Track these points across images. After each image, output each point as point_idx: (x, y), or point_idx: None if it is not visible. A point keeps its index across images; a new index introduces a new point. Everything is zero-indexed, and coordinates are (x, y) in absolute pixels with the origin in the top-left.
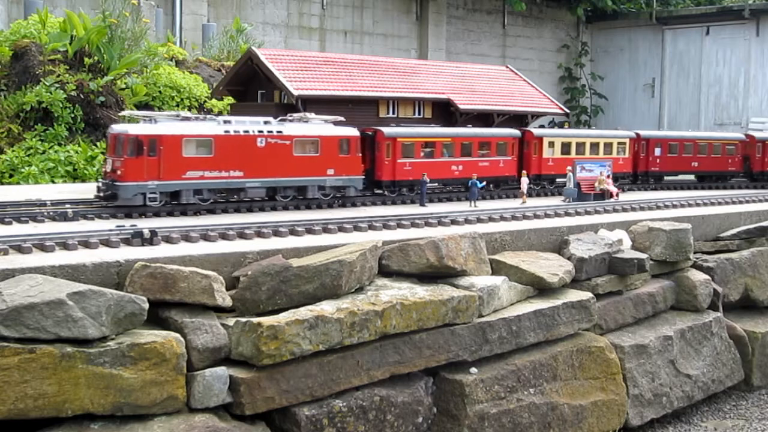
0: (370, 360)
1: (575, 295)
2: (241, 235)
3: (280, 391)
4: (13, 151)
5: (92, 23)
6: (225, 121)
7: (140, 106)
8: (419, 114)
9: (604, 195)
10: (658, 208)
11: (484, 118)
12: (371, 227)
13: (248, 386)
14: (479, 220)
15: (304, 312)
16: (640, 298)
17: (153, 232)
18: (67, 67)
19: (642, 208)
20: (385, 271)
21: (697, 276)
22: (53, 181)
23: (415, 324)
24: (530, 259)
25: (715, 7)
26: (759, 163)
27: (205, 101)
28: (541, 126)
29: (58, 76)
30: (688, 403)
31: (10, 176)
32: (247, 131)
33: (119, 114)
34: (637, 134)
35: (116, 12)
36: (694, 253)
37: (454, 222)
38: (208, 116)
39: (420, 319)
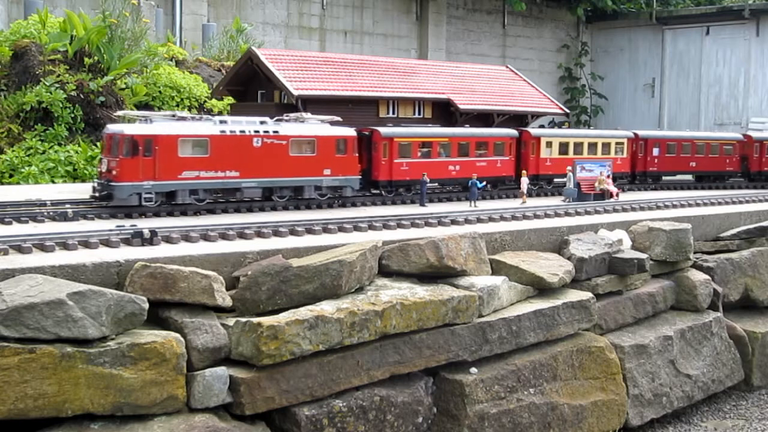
0: (370, 360)
1: (575, 295)
2: (241, 235)
3: (280, 391)
4: (13, 151)
5: (92, 23)
6: (221, 121)
7: (140, 106)
8: (419, 114)
9: (604, 195)
10: (658, 208)
11: (484, 118)
12: (371, 227)
13: (248, 386)
14: (479, 220)
15: (304, 312)
16: (640, 298)
17: (153, 232)
18: (67, 67)
19: (642, 208)
20: (385, 271)
21: (697, 276)
22: (53, 181)
23: (415, 324)
24: (530, 259)
25: (715, 7)
26: (756, 163)
27: (205, 101)
28: (541, 126)
29: (58, 76)
30: (688, 403)
31: (10, 176)
32: (243, 131)
33: (115, 114)
34: (635, 134)
35: (116, 12)
36: (694, 253)
37: (454, 222)
38: (204, 116)
39: (420, 319)
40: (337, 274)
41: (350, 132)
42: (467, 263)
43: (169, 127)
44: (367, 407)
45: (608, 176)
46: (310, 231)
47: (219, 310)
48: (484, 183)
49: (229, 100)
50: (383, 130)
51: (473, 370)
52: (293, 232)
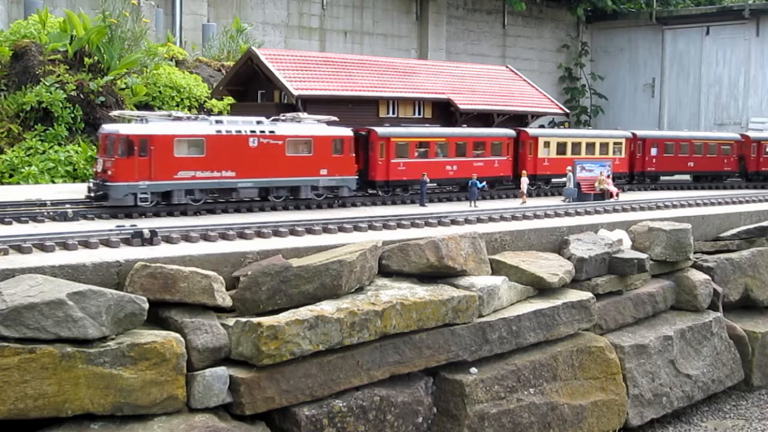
0: (370, 360)
1: (575, 295)
2: (241, 235)
3: (280, 391)
4: (13, 151)
5: (92, 23)
6: (217, 121)
7: (140, 106)
8: (419, 114)
9: (604, 195)
10: (658, 208)
11: (484, 118)
12: (371, 227)
13: (248, 386)
14: (479, 220)
15: (304, 312)
16: (640, 298)
17: (153, 232)
18: (67, 67)
19: (642, 208)
20: (385, 271)
21: (697, 276)
22: (53, 181)
23: (415, 324)
24: (530, 259)
25: (715, 7)
26: (754, 163)
27: (205, 101)
28: (542, 126)
29: (58, 76)
30: (688, 403)
31: (10, 176)
32: (239, 131)
33: (110, 114)
34: (634, 134)
35: (116, 12)
36: (694, 253)
37: (454, 222)
38: (200, 116)
39: (420, 319)
40: (337, 274)
41: (347, 132)
42: (467, 263)
43: (164, 127)
44: (367, 407)
45: (608, 176)
46: (310, 231)
47: (219, 310)
48: (484, 183)
49: (229, 100)
50: (380, 130)
51: (473, 370)
52: (293, 232)
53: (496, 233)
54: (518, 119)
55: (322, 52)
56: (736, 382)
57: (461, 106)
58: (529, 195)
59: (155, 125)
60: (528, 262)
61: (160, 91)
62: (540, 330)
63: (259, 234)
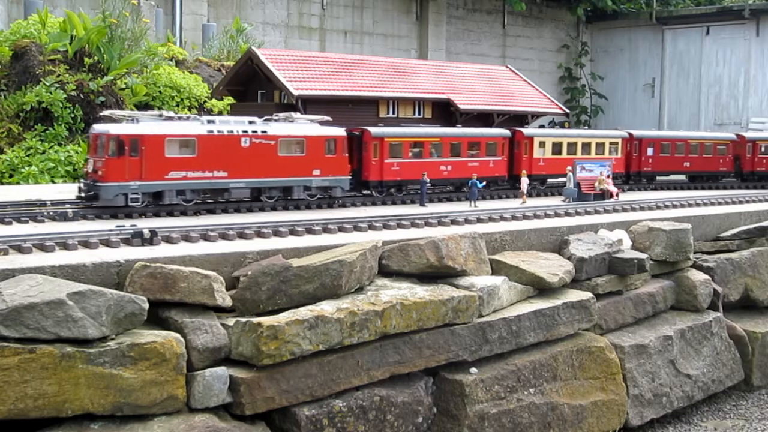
0: (370, 360)
1: (575, 295)
2: (241, 235)
3: (280, 391)
4: (13, 151)
5: (92, 23)
6: (208, 121)
7: (140, 106)
8: (419, 114)
9: (604, 195)
10: (658, 208)
11: (484, 118)
12: (371, 227)
13: (248, 386)
14: (479, 220)
15: (304, 312)
16: (640, 298)
17: (153, 232)
18: (67, 67)
19: (642, 208)
20: (385, 271)
21: (697, 276)
22: (53, 181)
23: (415, 324)
24: (530, 259)
25: (715, 7)
26: (749, 163)
27: (205, 101)
28: (542, 126)
29: (58, 76)
30: (688, 403)
31: (10, 176)
32: (231, 131)
33: (101, 113)
34: (630, 134)
35: (116, 12)
36: (694, 253)
37: (454, 222)
38: (192, 116)
39: (420, 319)
40: (337, 274)
41: (340, 132)
42: (467, 263)
43: (155, 127)
44: (367, 407)
45: (608, 176)
46: (310, 231)
47: (219, 310)
48: (484, 183)
49: (229, 100)
50: (373, 130)
51: (473, 370)
52: (293, 232)
53: (496, 233)
54: (518, 119)
55: (322, 52)
56: (736, 382)
57: (461, 106)
58: (529, 195)
59: (146, 125)
60: (528, 262)
61: (160, 91)
62: (540, 330)
63: (259, 234)
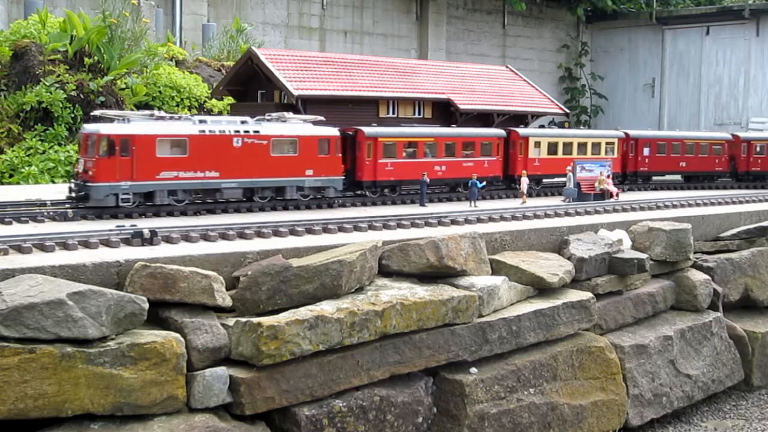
0: (370, 360)
1: (575, 295)
2: (241, 235)
3: (280, 391)
4: (13, 151)
5: (92, 23)
6: (200, 121)
7: (140, 106)
8: (419, 114)
9: (604, 195)
10: (658, 208)
11: (484, 118)
12: (371, 227)
13: (248, 386)
14: (479, 220)
15: (304, 312)
16: (640, 298)
17: (153, 232)
18: (67, 67)
19: (642, 208)
20: (385, 271)
21: (697, 276)
22: (53, 181)
23: (415, 324)
24: (530, 259)
25: (715, 7)
26: (744, 163)
27: (205, 101)
28: (541, 126)
29: (58, 76)
30: (688, 403)
31: (10, 176)
32: (222, 131)
33: (92, 113)
34: (626, 134)
35: (116, 12)
36: (694, 253)
37: (454, 222)
38: (183, 116)
39: (420, 319)
40: (337, 274)
41: (333, 132)
42: (467, 263)
43: (146, 127)
44: (367, 407)
45: (608, 176)
46: (310, 231)
47: (219, 310)
48: (484, 183)
49: (229, 100)
50: (367, 130)
51: (473, 370)
52: (293, 232)
53: (496, 233)
54: (518, 119)
55: (322, 52)
56: (736, 382)
57: (461, 106)
58: (528, 195)
59: (137, 125)
60: (528, 262)
61: (160, 91)
62: (540, 330)
63: (259, 234)
